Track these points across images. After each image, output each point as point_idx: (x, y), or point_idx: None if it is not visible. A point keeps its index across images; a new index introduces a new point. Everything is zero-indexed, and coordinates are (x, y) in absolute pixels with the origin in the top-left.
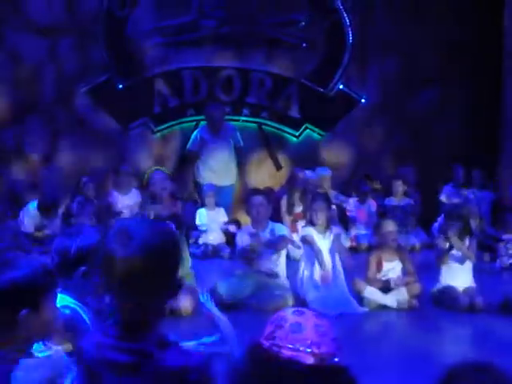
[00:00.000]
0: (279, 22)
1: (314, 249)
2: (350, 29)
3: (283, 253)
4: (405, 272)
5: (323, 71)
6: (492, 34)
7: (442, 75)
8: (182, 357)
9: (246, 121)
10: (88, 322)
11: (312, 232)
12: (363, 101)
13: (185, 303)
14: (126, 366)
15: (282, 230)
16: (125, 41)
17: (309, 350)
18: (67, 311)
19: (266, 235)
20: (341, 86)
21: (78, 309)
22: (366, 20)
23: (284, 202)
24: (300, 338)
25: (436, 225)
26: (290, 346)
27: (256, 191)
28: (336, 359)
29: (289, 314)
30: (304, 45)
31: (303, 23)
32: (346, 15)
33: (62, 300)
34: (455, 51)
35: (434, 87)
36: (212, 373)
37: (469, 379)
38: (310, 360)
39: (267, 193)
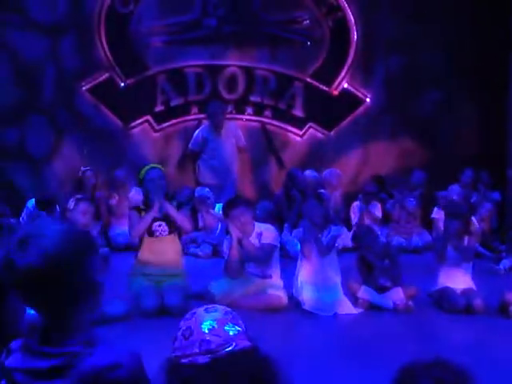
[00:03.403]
0: (283, 21)
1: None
2: (354, 27)
3: (276, 253)
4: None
5: (328, 70)
6: (498, 33)
7: (447, 75)
8: (112, 355)
9: (250, 120)
10: None
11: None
12: (368, 100)
13: (175, 303)
14: (49, 372)
15: (269, 233)
16: (128, 38)
17: (199, 351)
18: None
19: (253, 241)
20: (345, 85)
21: None
22: (372, 19)
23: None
24: (190, 342)
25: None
26: (185, 353)
27: (233, 202)
28: (229, 348)
29: (182, 322)
30: (309, 43)
31: (308, 21)
32: (350, 13)
33: None
34: (461, 49)
35: (440, 87)
36: (144, 371)
37: (424, 377)
38: (205, 359)
39: (245, 200)
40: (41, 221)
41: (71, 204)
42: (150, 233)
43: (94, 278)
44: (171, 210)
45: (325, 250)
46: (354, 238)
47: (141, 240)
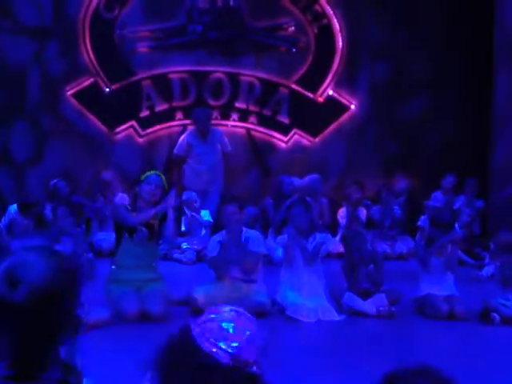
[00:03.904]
0: (269, 27)
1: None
2: (340, 34)
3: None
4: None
5: (313, 77)
6: (483, 40)
7: (433, 81)
8: None
9: (235, 126)
10: None
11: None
12: (353, 107)
13: (156, 309)
14: None
15: (256, 239)
16: (112, 43)
17: (229, 350)
18: None
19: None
20: (330, 92)
21: None
22: (357, 26)
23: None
24: (225, 336)
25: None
26: (213, 340)
27: (229, 199)
28: (254, 368)
29: (226, 312)
30: (294, 50)
31: (293, 28)
32: (336, 20)
33: None
34: (446, 57)
35: (425, 93)
36: None
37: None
38: (226, 359)
39: (240, 200)
40: (26, 249)
41: (49, 213)
42: (131, 233)
43: (76, 312)
44: (170, 211)
45: (310, 257)
46: (343, 240)
47: (118, 243)
